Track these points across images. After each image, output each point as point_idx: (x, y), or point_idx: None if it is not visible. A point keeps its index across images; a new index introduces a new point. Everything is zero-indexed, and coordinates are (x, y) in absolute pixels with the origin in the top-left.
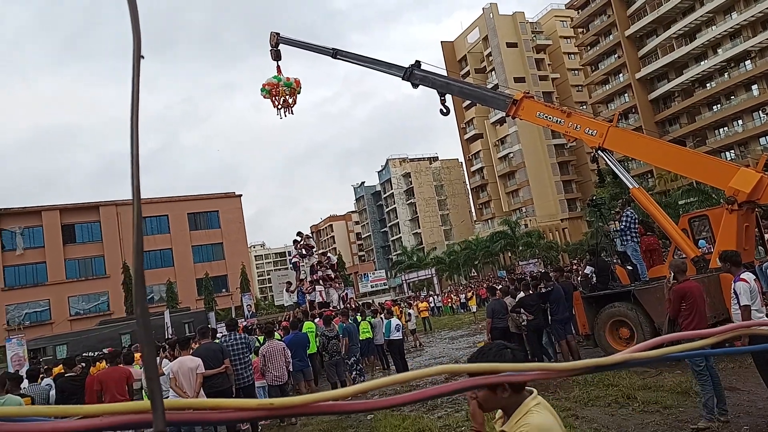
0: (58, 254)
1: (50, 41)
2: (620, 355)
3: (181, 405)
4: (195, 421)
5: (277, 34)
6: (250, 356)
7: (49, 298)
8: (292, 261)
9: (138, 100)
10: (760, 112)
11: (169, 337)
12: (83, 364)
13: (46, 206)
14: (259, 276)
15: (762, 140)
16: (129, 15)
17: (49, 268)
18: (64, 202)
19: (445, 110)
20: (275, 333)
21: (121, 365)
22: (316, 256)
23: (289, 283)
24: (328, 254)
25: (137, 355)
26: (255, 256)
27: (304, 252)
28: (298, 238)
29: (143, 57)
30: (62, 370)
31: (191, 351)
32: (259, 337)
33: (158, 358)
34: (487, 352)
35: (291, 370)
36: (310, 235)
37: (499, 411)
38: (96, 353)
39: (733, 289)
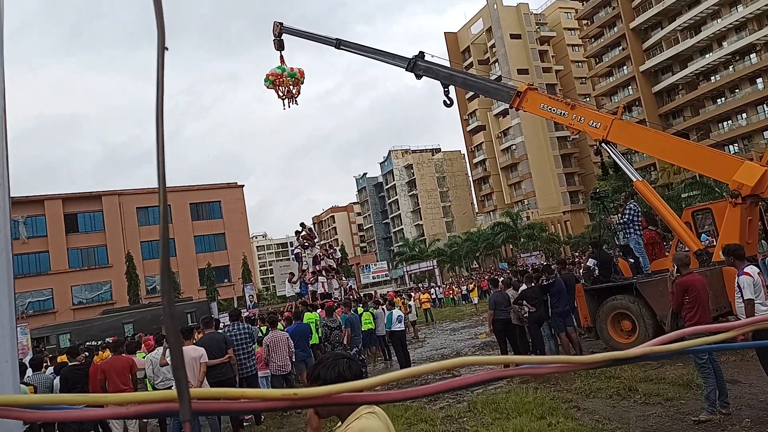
0: (61, 243)
1: (55, 31)
2: (640, 348)
3: (207, 395)
4: (220, 410)
5: (281, 23)
6: (254, 346)
7: (52, 287)
8: (295, 252)
9: (163, 90)
10: (765, 105)
11: None
12: (86, 354)
13: (48, 195)
14: (260, 267)
15: (766, 134)
16: (153, 7)
17: (52, 257)
18: (66, 191)
19: (448, 101)
20: (278, 323)
21: (124, 354)
22: (318, 247)
23: (292, 274)
24: (334, 247)
25: (144, 344)
26: (257, 247)
27: (306, 243)
28: (301, 229)
29: (167, 48)
30: (66, 359)
31: (194, 341)
32: (262, 327)
33: (162, 348)
34: (324, 361)
35: (294, 360)
36: (312, 226)
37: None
38: (99, 342)
39: (737, 282)
